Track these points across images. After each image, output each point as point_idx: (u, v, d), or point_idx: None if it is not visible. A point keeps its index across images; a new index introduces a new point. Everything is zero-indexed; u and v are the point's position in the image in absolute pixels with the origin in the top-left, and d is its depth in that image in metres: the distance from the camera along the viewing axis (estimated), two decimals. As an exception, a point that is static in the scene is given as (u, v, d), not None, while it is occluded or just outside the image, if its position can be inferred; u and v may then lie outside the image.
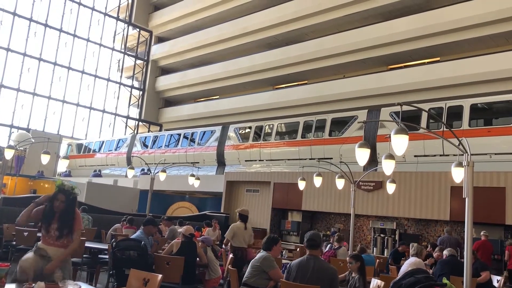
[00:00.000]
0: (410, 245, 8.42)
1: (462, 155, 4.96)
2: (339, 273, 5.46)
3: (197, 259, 6.65)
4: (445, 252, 7.13)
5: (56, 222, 4.32)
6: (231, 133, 19.93)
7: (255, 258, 5.39)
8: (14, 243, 8.32)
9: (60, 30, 30.50)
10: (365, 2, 21.48)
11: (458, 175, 6.75)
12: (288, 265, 4.81)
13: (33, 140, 15.51)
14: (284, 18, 24.53)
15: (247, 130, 19.44)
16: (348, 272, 5.80)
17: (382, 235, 12.94)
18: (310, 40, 23.60)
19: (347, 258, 5.82)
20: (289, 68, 24.63)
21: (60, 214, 4.34)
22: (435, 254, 8.15)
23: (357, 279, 5.36)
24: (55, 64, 30.08)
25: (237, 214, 8.13)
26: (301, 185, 11.90)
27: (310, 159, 16.02)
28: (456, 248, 9.16)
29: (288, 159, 17.26)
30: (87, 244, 7.75)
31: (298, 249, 11.84)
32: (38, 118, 29.35)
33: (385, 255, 11.82)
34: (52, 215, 4.34)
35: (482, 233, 10.32)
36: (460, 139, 4.97)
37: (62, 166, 27.88)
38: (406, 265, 6.48)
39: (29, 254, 4.29)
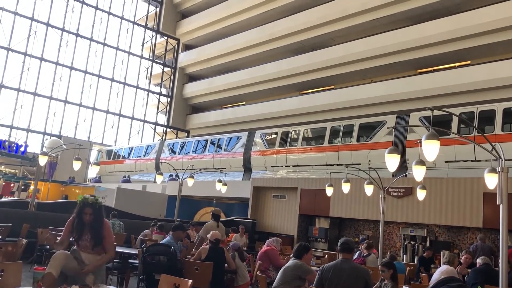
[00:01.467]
0: (442, 253, 8.25)
1: (495, 160, 4.84)
2: (369, 281, 5.45)
3: (226, 265, 6.68)
4: (479, 261, 6.94)
5: (88, 233, 4.50)
6: (257, 139, 19.96)
7: (288, 265, 5.39)
8: (48, 247, 8.52)
9: (91, 39, 31.31)
10: (393, 6, 21.25)
11: (491, 181, 6.58)
12: (321, 268, 4.79)
13: (65, 147, 15.88)
14: (310, 23, 24.49)
15: (273, 136, 19.44)
16: (379, 281, 5.72)
17: (412, 242, 12.68)
18: (337, 45, 23.49)
19: (379, 267, 5.73)
20: (316, 74, 24.55)
21: (91, 225, 4.52)
22: (462, 258, 7.93)
23: (389, 285, 5.28)
24: (85, 72, 30.87)
25: (211, 213, 9.30)
26: (329, 191, 11.80)
27: (337, 165, 15.88)
28: (489, 256, 8.91)
29: (315, 165, 17.15)
30: (118, 249, 7.86)
31: (326, 256, 11.72)
32: (69, 125, 30.22)
33: (415, 262, 11.59)
34: (82, 227, 4.52)
35: (516, 240, 10.00)
36: (493, 144, 4.85)
37: (93, 172, 28.52)
38: (438, 273, 6.35)
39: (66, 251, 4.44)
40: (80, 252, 4.48)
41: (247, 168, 20.19)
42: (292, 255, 5.53)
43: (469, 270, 7.62)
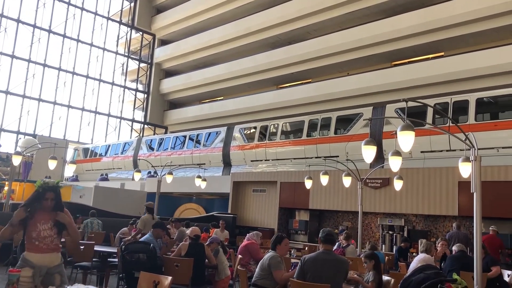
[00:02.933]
0: (419, 241, 8.39)
1: (469, 149, 4.94)
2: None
3: (206, 260, 6.66)
4: (454, 248, 7.09)
5: (49, 220, 4.15)
6: (236, 133, 19.93)
7: (264, 258, 5.42)
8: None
9: (64, 36, 30.65)
10: (367, -2, 21.43)
11: (465, 170, 6.73)
12: (302, 259, 4.79)
13: (39, 146, 15.60)
14: (286, 17, 24.52)
15: (252, 130, 19.45)
16: (366, 273, 5.80)
17: (390, 232, 12.89)
18: (313, 39, 23.57)
19: (362, 258, 5.80)
20: (293, 67, 24.61)
21: (52, 211, 4.18)
22: (438, 245, 8.11)
23: (370, 274, 5.35)
24: (59, 69, 30.23)
25: (145, 207, 9.85)
26: (308, 184, 11.89)
27: (316, 157, 15.99)
28: (465, 243, 9.10)
29: (294, 158, 17.24)
30: (96, 248, 7.78)
31: (306, 248, 11.83)
32: (44, 123, 29.58)
33: (394, 252, 11.79)
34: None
35: (491, 227, 10.26)
36: (466, 133, 4.95)
37: (69, 171, 28.02)
38: (416, 262, 6.48)
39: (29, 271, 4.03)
40: (34, 256, 4.06)
41: (227, 163, 20.16)
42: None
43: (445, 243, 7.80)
